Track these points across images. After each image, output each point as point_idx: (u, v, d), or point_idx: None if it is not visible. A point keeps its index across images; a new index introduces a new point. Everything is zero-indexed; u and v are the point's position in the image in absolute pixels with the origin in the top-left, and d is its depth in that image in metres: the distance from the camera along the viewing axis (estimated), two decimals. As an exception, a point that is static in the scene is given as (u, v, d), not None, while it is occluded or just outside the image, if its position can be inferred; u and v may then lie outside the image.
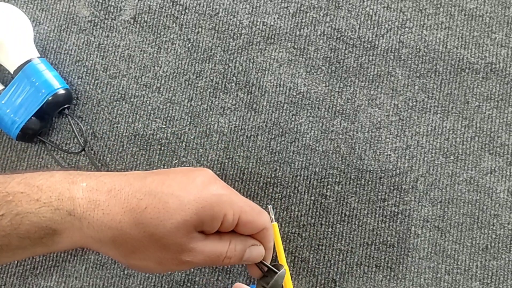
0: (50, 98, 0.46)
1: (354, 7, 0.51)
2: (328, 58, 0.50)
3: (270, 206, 0.47)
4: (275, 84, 0.50)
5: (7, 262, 0.32)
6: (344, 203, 0.48)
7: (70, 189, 0.32)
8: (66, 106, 0.48)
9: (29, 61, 0.47)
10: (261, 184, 0.48)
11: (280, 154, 0.49)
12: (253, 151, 0.49)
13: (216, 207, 0.33)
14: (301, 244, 0.47)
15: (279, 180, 0.48)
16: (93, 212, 0.32)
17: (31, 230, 0.31)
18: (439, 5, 0.51)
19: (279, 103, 0.49)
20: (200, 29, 0.51)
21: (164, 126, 0.49)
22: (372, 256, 0.47)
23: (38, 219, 0.31)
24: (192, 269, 0.47)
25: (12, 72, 0.47)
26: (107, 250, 0.34)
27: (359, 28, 0.50)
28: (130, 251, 0.33)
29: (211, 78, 0.50)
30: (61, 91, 0.47)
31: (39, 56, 0.48)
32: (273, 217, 0.46)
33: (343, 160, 0.48)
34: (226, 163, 0.48)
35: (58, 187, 0.32)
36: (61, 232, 0.32)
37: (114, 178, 0.34)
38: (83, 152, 0.49)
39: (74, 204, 0.32)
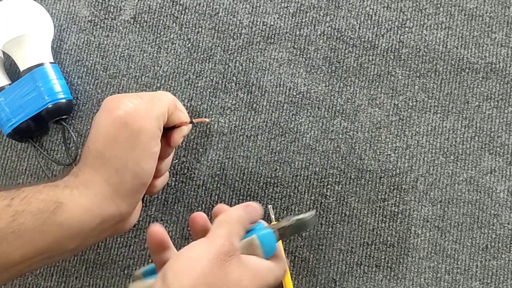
0: (50, 106, 0.46)
1: (354, 7, 0.51)
2: (328, 58, 0.50)
3: (270, 206, 0.47)
4: (275, 84, 0.50)
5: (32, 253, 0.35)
6: (344, 203, 0.48)
7: (65, 177, 0.38)
8: (64, 116, 0.48)
9: (41, 64, 0.47)
10: (261, 184, 0.48)
11: (280, 154, 0.49)
12: (253, 151, 0.49)
13: (170, 99, 0.41)
14: (301, 244, 0.47)
15: (279, 180, 0.48)
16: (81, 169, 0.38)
17: (40, 206, 0.34)
18: (439, 5, 0.50)
19: (279, 103, 0.49)
20: (200, 29, 0.51)
21: (164, 126, 0.49)
22: (372, 256, 0.47)
23: (44, 196, 0.35)
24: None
25: (21, 70, 0.47)
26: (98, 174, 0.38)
27: (359, 28, 0.50)
28: (107, 146, 0.38)
29: (211, 78, 0.50)
30: (63, 101, 0.47)
31: (52, 62, 0.48)
32: (273, 217, 0.46)
33: (343, 160, 0.48)
34: (226, 163, 0.48)
35: (49, 190, 0.37)
36: (66, 202, 0.35)
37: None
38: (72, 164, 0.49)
39: (73, 172, 0.38)
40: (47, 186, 0.36)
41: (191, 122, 0.44)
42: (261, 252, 0.36)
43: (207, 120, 0.47)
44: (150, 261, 0.47)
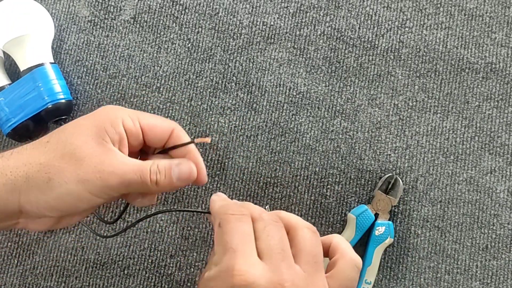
0: (50, 106, 0.46)
1: (354, 7, 0.51)
2: (328, 58, 0.50)
3: (268, 206, 0.47)
4: (275, 84, 0.50)
5: None
6: (344, 203, 0.48)
7: None
8: (64, 117, 0.48)
9: (41, 64, 0.47)
10: (261, 184, 0.48)
11: (280, 154, 0.49)
12: (253, 151, 0.49)
13: (110, 113, 0.34)
14: (301, 244, 0.47)
15: (279, 180, 0.48)
16: (9, 159, 0.33)
17: None
18: (439, 5, 0.50)
19: (279, 103, 0.49)
20: (200, 29, 0.51)
21: (164, 126, 0.49)
22: (372, 256, 0.47)
23: None
24: (192, 269, 0.47)
25: (21, 70, 0.47)
26: (28, 199, 0.33)
27: (359, 28, 0.50)
28: (46, 180, 0.32)
29: (211, 78, 0.50)
30: (63, 102, 0.47)
31: (52, 62, 0.48)
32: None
33: (343, 160, 0.48)
34: (226, 163, 0.48)
35: None
36: None
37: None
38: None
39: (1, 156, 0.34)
40: None
41: (192, 141, 0.37)
42: None
43: (208, 140, 0.39)
44: (150, 261, 0.47)
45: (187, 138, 0.37)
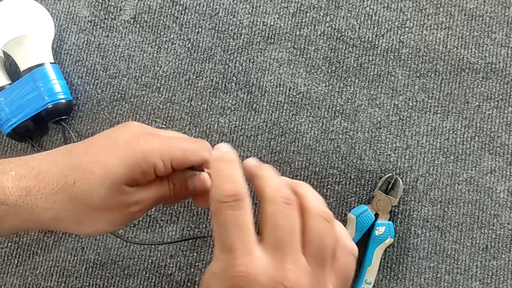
0: (50, 106, 0.46)
1: (354, 7, 0.51)
2: (328, 58, 0.50)
3: None
4: (275, 84, 0.50)
5: None
6: (344, 203, 0.48)
7: (0, 180, 0.33)
8: (64, 117, 0.48)
9: (41, 64, 0.47)
10: (261, 184, 0.48)
11: (280, 154, 0.49)
12: (253, 151, 0.49)
13: (142, 162, 0.33)
14: (301, 244, 0.47)
15: (279, 180, 0.48)
16: (26, 199, 0.33)
17: None
18: (439, 5, 0.50)
19: (279, 103, 0.49)
20: (200, 29, 0.51)
21: (164, 126, 0.49)
22: (372, 256, 0.47)
23: None
24: (192, 269, 0.47)
25: (21, 70, 0.47)
26: (55, 227, 0.35)
27: (359, 28, 0.50)
28: (76, 223, 0.34)
29: (211, 78, 0.50)
30: (63, 102, 0.47)
31: (52, 62, 0.48)
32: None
33: (343, 160, 0.48)
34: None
35: None
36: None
37: (42, 160, 0.34)
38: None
39: (5, 194, 0.33)
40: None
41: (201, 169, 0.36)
42: None
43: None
44: (150, 261, 0.47)
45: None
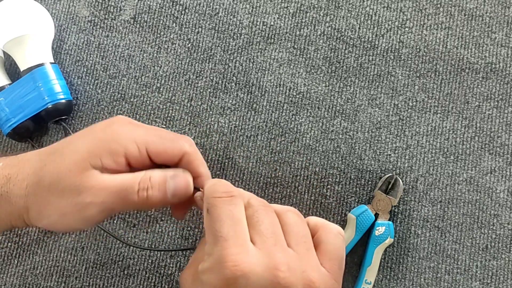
0: (50, 106, 0.46)
1: (354, 7, 0.51)
2: (328, 58, 0.50)
3: None
4: (275, 84, 0.50)
5: None
6: (344, 203, 0.48)
7: None
8: (64, 117, 0.48)
9: (41, 64, 0.47)
10: (261, 184, 0.48)
11: (280, 154, 0.49)
12: (253, 151, 0.49)
13: (112, 142, 0.31)
14: (301, 244, 0.47)
15: (279, 180, 0.48)
16: (6, 187, 0.33)
17: None
18: (439, 5, 0.51)
19: (279, 103, 0.49)
20: (200, 29, 0.51)
21: (164, 126, 0.49)
22: (372, 256, 0.47)
23: None
24: (192, 269, 0.47)
25: (21, 70, 0.47)
26: (25, 220, 0.34)
27: (359, 28, 0.50)
28: (37, 211, 0.32)
29: (211, 78, 0.50)
30: (63, 102, 0.47)
31: (52, 62, 0.48)
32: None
33: (343, 160, 0.48)
34: (226, 163, 0.48)
35: None
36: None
37: (29, 152, 0.34)
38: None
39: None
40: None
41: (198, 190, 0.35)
42: None
43: None
44: (150, 261, 0.47)
45: (199, 163, 0.35)
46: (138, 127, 0.33)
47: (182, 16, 0.51)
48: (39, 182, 0.32)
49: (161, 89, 0.50)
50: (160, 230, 0.48)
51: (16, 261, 0.48)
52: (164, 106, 0.50)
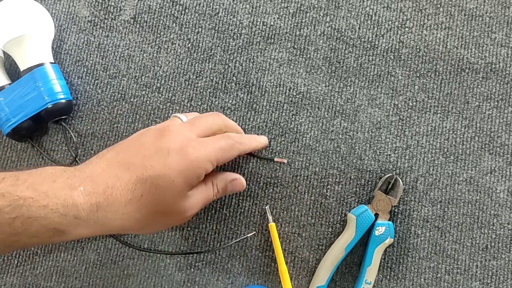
0: (50, 106, 0.46)
1: (354, 7, 0.51)
2: (328, 58, 0.50)
3: (267, 206, 0.47)
4: (275, 84, 0.50)
5: (14, 250, 0.41)
6: (344, 203, 0.48)
7: (72, 196, 0.36)
8: (64, 117, 0.48)
9: (41, 64, 0.47)
10: (261, 184, 0.48)
11: (280, 154, 0.49)
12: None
13: (197, 169, 0.38)
14: (301, 244, 0.47)
15: (279, 180, 0.48)
16: (97, 213, 0.36)
17: (41, 231, 0.35)
18: (439, 5, 0.51)
19: (279, 103, 0.49)
20: (200, 29, 0.51)
21: (164, 126, 0.49)
22: (372, 256, 0.47)
23: (47, 222, 0.35)
24: (192, 269, 0.47)
25: (21, 70, 0.47)
26: (118, 232, 0.40)
27: (359, 28, 0.50)
28: (140, 228, 0.39)
29: (211, 78, 0.50)
30: (63, 102, 0.47)
31: (52, 62, 0.48)
32: (270, 218, 0.46)
33: (343, 160, 0.48)
34: (226, 163, 0.48)
35: (61, 193, 0.36)
36: (69, 232, 0.36)
37: (103, 174, 0.37)
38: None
39: (78, 209, 0.36)
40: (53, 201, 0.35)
41: (271, 159, 0.48)
42: None
43: (285, 161, 0.48)
44: (150, 261, 0.47)
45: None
46: (205, 145, 0.40)
47: (182, 16, 0.51)
48: (140, 210, 0.37)
49: (161, 89, 0.50)
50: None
51: (16, 261, 0.48)
52: (164, 106, 0.50)
